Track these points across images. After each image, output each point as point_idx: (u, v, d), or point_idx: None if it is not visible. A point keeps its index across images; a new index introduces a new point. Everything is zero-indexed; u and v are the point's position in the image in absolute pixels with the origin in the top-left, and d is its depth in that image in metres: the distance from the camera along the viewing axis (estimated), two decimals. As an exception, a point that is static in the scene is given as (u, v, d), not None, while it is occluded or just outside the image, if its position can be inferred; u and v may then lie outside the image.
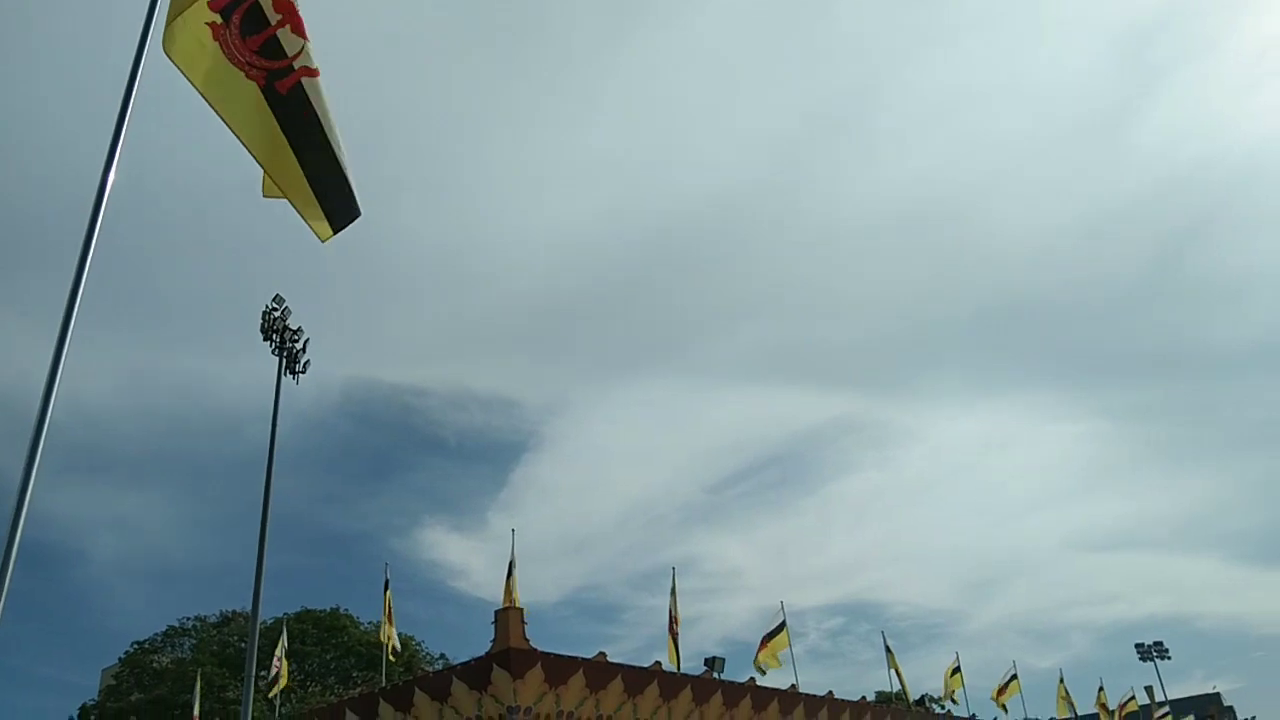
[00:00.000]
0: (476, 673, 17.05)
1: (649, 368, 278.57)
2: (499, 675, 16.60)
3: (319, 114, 6.82)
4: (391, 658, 24.21)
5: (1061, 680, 41.18)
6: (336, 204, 6.90)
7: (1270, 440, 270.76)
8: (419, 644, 52.02)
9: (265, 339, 34.92)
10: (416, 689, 18.38)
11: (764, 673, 24.24)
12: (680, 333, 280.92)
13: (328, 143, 6.78)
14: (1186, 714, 57.08)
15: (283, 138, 6.73)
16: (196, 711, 30.70)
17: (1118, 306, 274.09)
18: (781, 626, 26.00)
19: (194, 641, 55.05)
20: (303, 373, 35.75)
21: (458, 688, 17.32)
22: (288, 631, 33.86)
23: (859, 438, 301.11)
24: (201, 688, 33.85)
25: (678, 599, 22.16)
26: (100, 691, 56.08)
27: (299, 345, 35.50)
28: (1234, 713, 78.33)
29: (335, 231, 7.00)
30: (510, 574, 18.89)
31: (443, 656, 46.36)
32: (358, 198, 7.01)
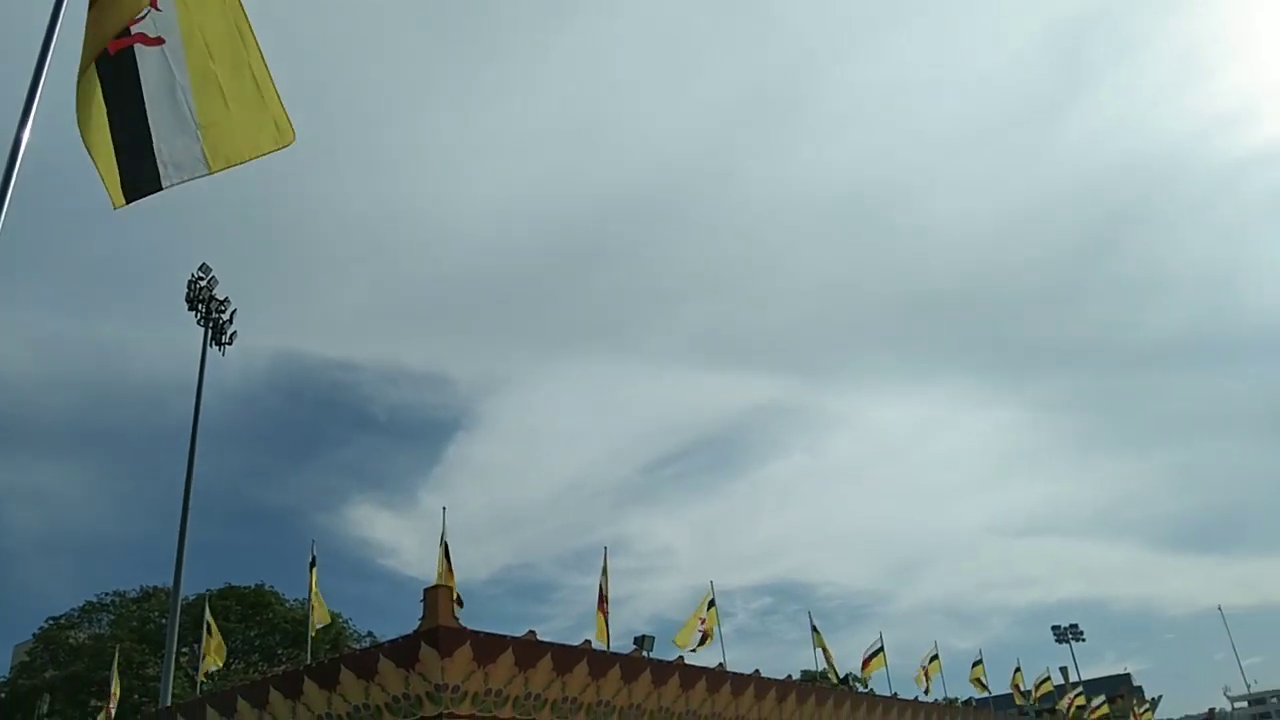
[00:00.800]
0: (404, 651, 16.88)
1: (586, 347, 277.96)
2: (427, 653, 16.45)
3: (143, 84, 6.84)
4: (314, 633, 23.92)
5: (980, 661, 42.31)
6: (138, 174, 6.92)
7: (1183, 431, 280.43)
8: (346, 622, 51.55)
9: (191, 308, 34.12)
10: (343, 666, 18.14)
11: (694, 649, 24.53)
12: (618, 313, 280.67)
13: (143, 113, 6.81)
14: (1098, 694, 59.05)
15: (101, 97, 6.77)
16: (114, 689, 29.99)
17: (1044, 297, 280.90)
18: (710, 605, 26.31)
19: (113, 617, 53.79)
20: (229, 344, 35.04)
21: (385, 665, 17.13)
22: (210, 608, 33.22)
23: (790, 421, 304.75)
24: (120, 664, 33.07)
25: (609, 578, 22.26)
26: (12, 669, 54.54)
27: (226, 316, 34.77)
28: (1142, 692, 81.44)
29: (129, 201, 6.96)
30: (441, 552, 18.77)
31: (370, 635, 46.08)
32: (163, 173, 7.00)
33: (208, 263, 33.70)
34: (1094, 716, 51.51)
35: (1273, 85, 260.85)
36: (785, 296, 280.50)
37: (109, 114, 6.90)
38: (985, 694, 37.12)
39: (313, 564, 23.06)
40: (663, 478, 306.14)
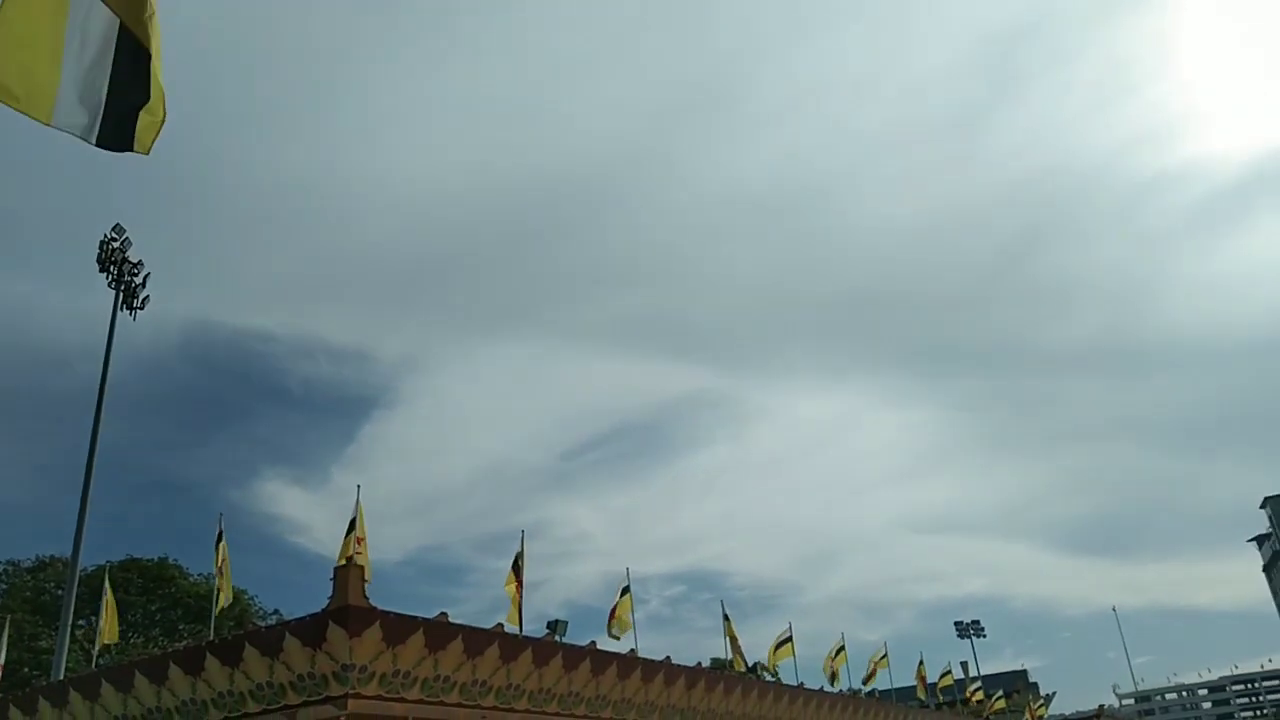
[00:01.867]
0: (311, 629, 16.56)
1: (510, 329, 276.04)
2: (335, 633, 16.17)
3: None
4: (218, 609, 23.32)
5: (885, 655, 43.26)
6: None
7: (1087, 436, 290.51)
8: (252, 599, 50.48)
9: (102, 270, 32.88)
10: (247, 643, 17.72)
11: (618, 637, 24.57)
12: (544, 295, 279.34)
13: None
14: (996, 689, 60.95)
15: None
16: (2, 660, 28.88)
17: (961, 301, 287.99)
18: (625, 591, 26.41)
19: (4, 587, 51.85)
20: (141, 309, 33.86)
21: (290, 644, 16.78)
22: (110, 580, 32.20)
23: (714, 413, 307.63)
24: (10, 635, 31.86)
25: (525, 562, 22.18)
26: (-106, 637, 52.19)
27: (138, 279, 33.59)
28: (1038, 689, 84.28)
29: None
30: (351, 531, 18.47)
31: (276, 613, 45.22)
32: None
33: (121, 223, 32.50)
34: (991, 711, 53.16)
35: (1192, 106, 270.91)
36: (713, 288, 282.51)
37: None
38: (835, 687, 37.74)
39: (220, 538, 22.49)
40: (584, 464, 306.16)
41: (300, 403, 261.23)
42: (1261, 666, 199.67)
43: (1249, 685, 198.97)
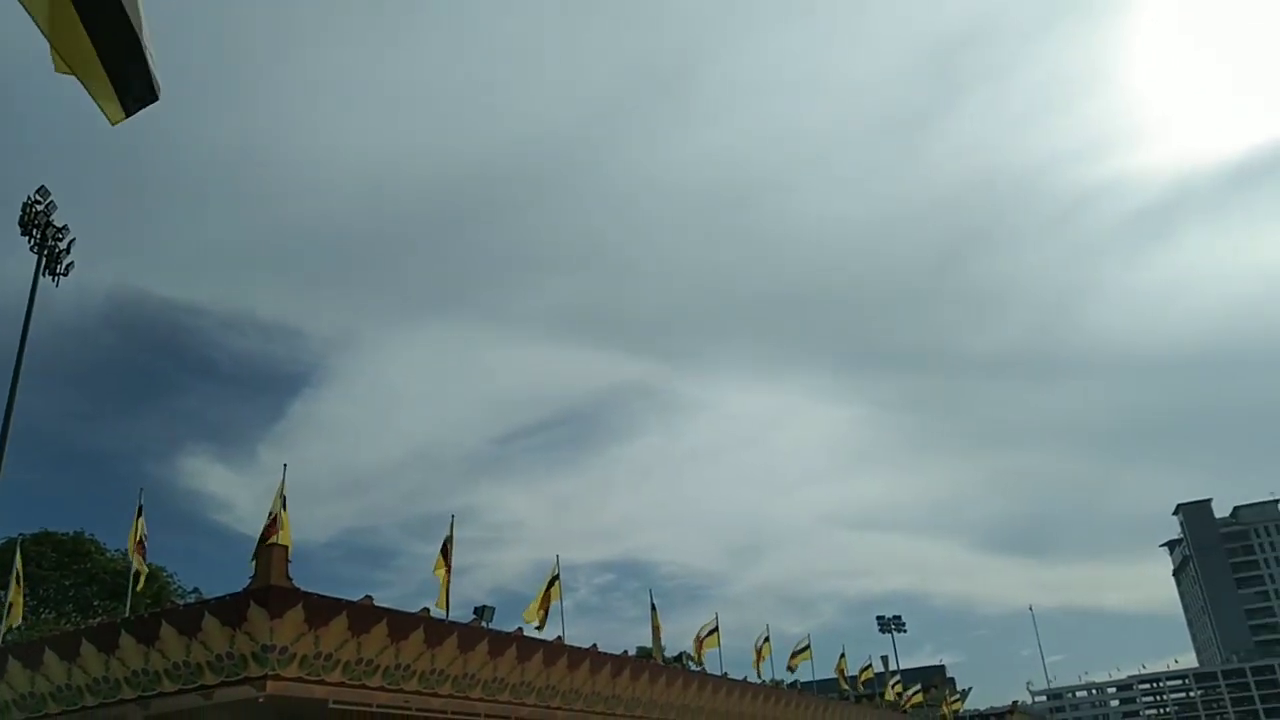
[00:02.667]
0: (231, 609, 16.26)
1: (446, 311, 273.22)
2: (256, 613, 15.89)
3: None
4: (136, 586, 22.68)
5: (807, 647, 43.79)
6: (131, 83, 6.20)
7: (1011, 439, 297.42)
8: (171, 576, 49.34)
9: (24, 233, 31.79)
10: (164, 621, 17.34)
11: (539, 627, 24.53)
12: (481, 278, 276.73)
13: (124, 14, 6.07)
14: (914, 683, 62.21)
15: (71, 6, 5.98)
16: None
17: (896, 302, 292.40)
18: (554, 580, 26.36)
19: (-91, 559, 49.87)
20: (64, 275, 32.82)
21: (209, 623, 16.46)
22: (22, 554, 31.18)
23: (649, 403, 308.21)
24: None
25: (454, 547, 22.01)
26: None
27: (62, 245, 32.54)
28: (954, 684, 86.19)
29: (128, 114, 6.29)
30: (278, 510, 18.15)
31: (196, 591, 44.16)
32: (157, 79, 6.33)
33: (47, 185, 31.42)
34: (909, 705, 54.26)
35: (1124, 122, 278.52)
36: (651, 279, 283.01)
37: (85, 22, 6.03)
38: (760, 678, 38.23)
39: (139, 513, 21.92)
40: (518, 450, 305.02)
41: (228, 378, 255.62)
42: (1167, 667, 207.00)
43: (1154, 685, 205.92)
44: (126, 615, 21.31)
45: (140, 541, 21.88)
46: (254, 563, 16.97)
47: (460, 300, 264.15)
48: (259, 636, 15.90)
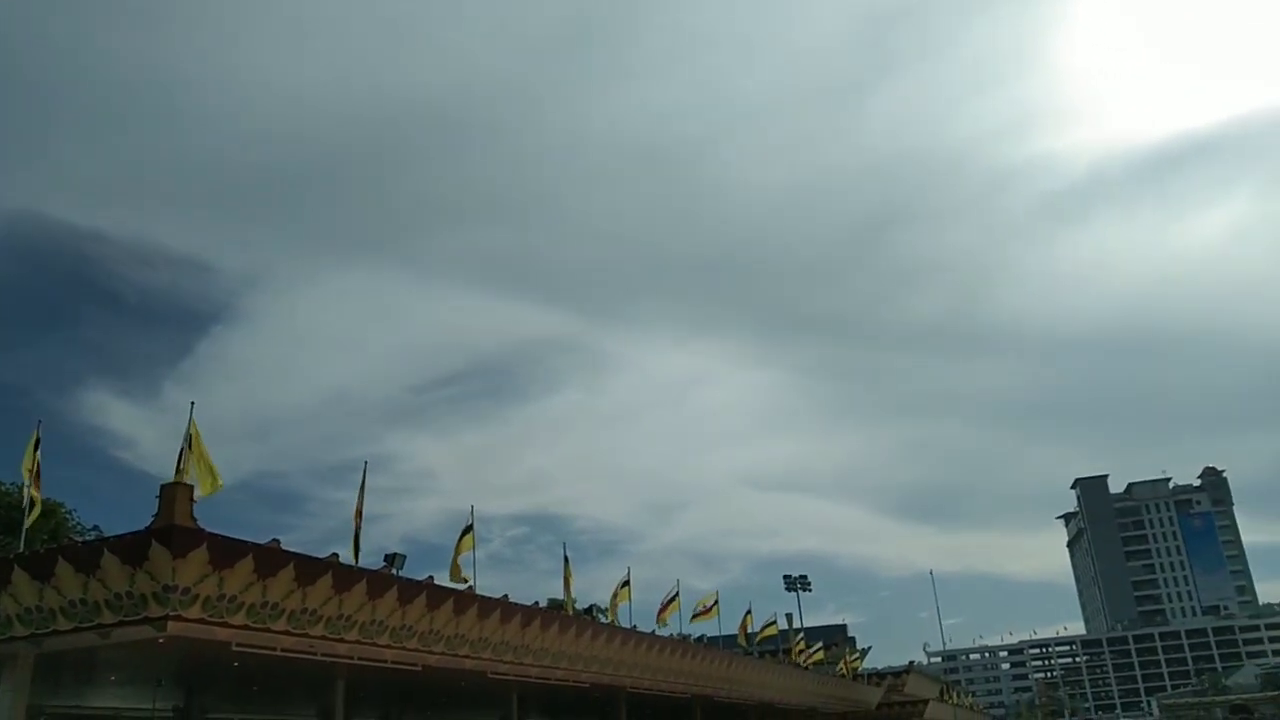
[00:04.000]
0: (132, 547, 15.84)
1: (363, 255, 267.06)
2: (158, 552, 15.51)
3: None
4: (30, 521, 21.82)
5: (716, 603, 44.53)
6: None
7: (922, 410, 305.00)
8: (69, 512, 47.78)
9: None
10: (60, 558, 16.83)
11: (469, 586, 24.43)
12: (402, 222, 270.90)
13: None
14: (816, 641, 63.82)
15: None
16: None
17: (820, 270, 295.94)
18: (468, 530, 26.25)
19: None
20: (-37, 194, 31.30)
21: (109, 561, 16.03)
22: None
23: (571, 359, 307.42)
24: None
25: (365, 494, 21.73)
26: None
27: (-38, 162, 30.97)
28: (855, 643, 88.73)
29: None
30: (184, 449, 17.64)
31: (96, 529, 42.86)
32: None
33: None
34: (810, 661, 55.68)
35: (1048, 104, 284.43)
36: (578, 234, 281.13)
37: None
38: (667, 631, 38.78)
39: (35, 444, 21.06)
40: (434, 399, 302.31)
41: (133, 311, 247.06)
42: (1057, 633, 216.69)
43: (1044, 650, 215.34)
44: (20, 550, 20.61)
45: (35, 472, 21.04)
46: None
47: (379, 244, 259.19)
48: (161, 576, 15.54)
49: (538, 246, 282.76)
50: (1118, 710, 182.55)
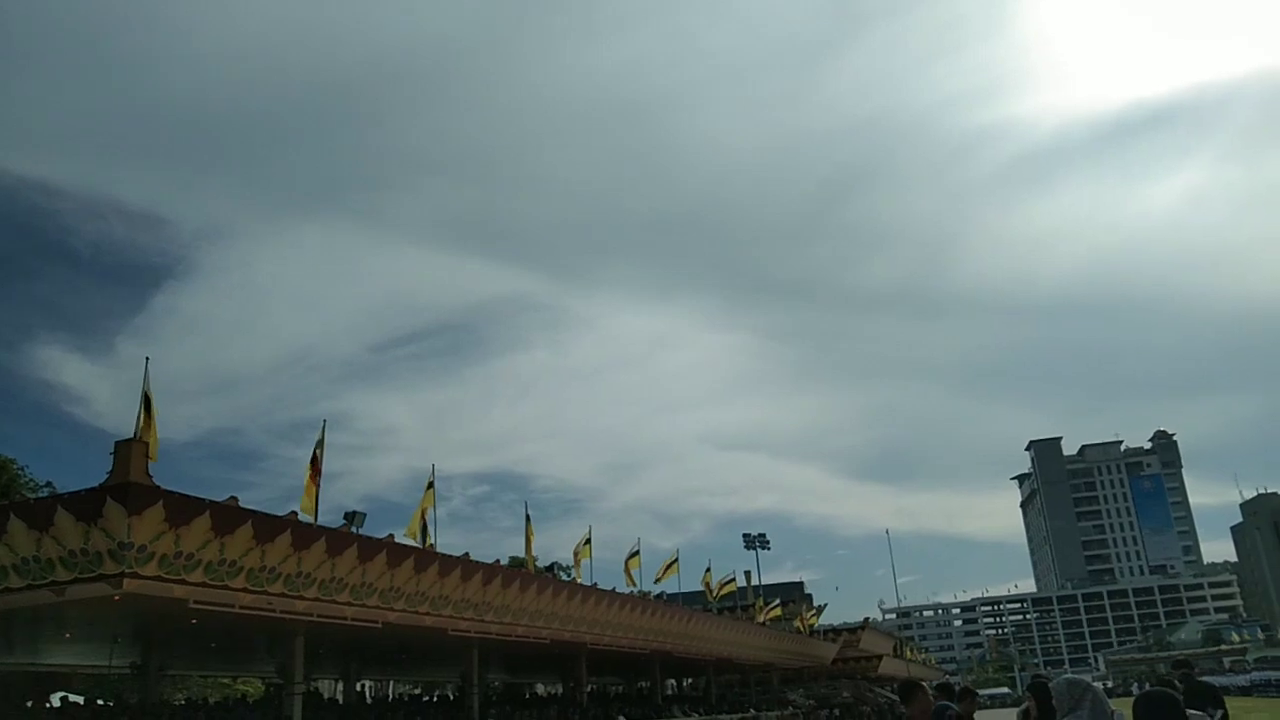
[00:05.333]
0: (86, 504, 15.65)
1: (324, 210, 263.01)
2: (113, 509, 15.34)
3: None
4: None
5: (676, 561, 45.01)
6: None
7: (882, 373, 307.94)
8: (21, 469, 47.11)
9: None
10: (12, 514, 16.60)
11: (428, 545, 24.41)
12: (362, 177, 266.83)
13: None
14: (774, 598, 64.76)
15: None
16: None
17: (784, 233, 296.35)
18: (429, 487, 26.22)
19: None
20: (-94, 142, 30.35)
21: (62, 518, 15.83)
22: None
23: (534, 318, 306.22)
24: None
25: (324, 451, 21.61)
26: None
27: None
28: (811, 600, 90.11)
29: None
30: (141, 406, 17.42)
31: (49, 485, 42.32)
32: None
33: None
34: (767, 618, 56.53)
35: (1013, 68, 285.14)
36: (543, 192, 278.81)
37: None
38: (629, 589, 39.20)
39: (-13, 401, 20.70)
40: (395, 357, 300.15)
41: (87, 265, 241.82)
42: (1008, 591, 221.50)
43: (995, 607, 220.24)
44: (-29, 507, 20.31)
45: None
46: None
47: (339, 199, 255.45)
48: (116, 534, 15.38)
49: (502, 204, 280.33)
50: (1066, 665, 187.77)
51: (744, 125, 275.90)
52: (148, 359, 17.61)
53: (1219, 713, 7.05)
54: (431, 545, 24.63)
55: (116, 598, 16.06)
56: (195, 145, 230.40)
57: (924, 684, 6.58)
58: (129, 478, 15.30)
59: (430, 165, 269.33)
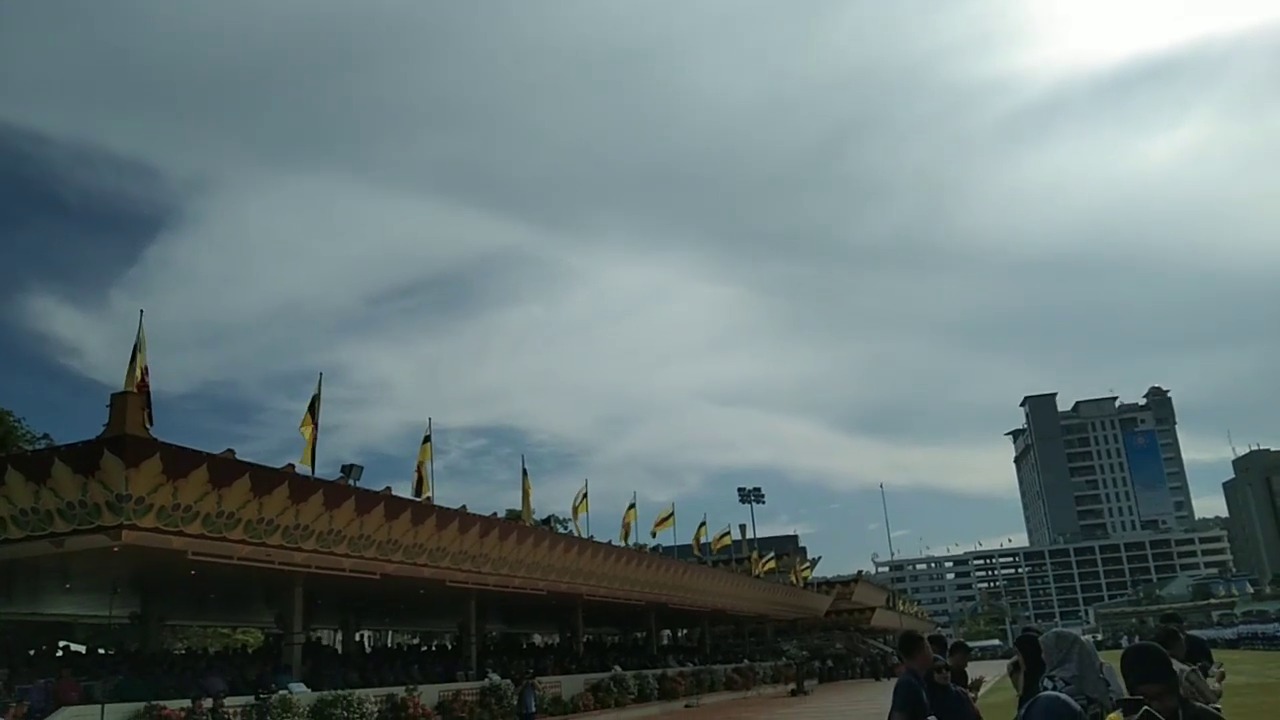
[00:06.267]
0: (84, 456, 15.70)
1: (317, 160, 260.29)
2: (110, 461, 15.39)
3: None
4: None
5: (672, 514, 45.36)
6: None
7: (878, 327, 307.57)
8: (18, 421, 47.17)
9: None
10: (9, 466, 16.65)
11: (427, 497, 24.53)
12: (358, 127, 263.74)
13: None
14: (768, 551, 65.37)
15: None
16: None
17: (779, 185, 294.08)
18: (426, 440, 26.31)
19: None
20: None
21: (60, 470, 15.89)
22: None
23: (528, 271, 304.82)
24: None
25: (321, 405, 21.63)
26: None
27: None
28: (805, 553, 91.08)
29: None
30: (135, 358, 17.40)
31: (46, 437, 42.40)
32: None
33: None
34: (761, 570, 57.12)
35: (1014, 20, 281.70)
36: (536, 142, 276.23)
37: None
38: (625, 541, 39.36)
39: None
40: (390, 310, 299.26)
41: (77, 215, 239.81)
42: (1001, 545, 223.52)
43: (987, 560, 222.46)
44: (-31, 458, 20.37)
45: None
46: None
47: (332, 150, 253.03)
48: (114, 486, 15.45)
49: (495, 154, 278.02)
50: (1056, 619, 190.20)
51: (741, 73, 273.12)
52: (141, 311, 17.54)
53: (1210, 665, 7.18)
54: (429, 498, 24.78)
55: (115, 549, 16.18)
56: (183, 93, 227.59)
57: (924, 636, 6.65)
58: (125, 430, 15.34)
59: (422, 115, 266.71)
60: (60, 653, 27.09)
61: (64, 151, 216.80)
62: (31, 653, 24.27)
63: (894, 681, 6.55)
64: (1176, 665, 4.54)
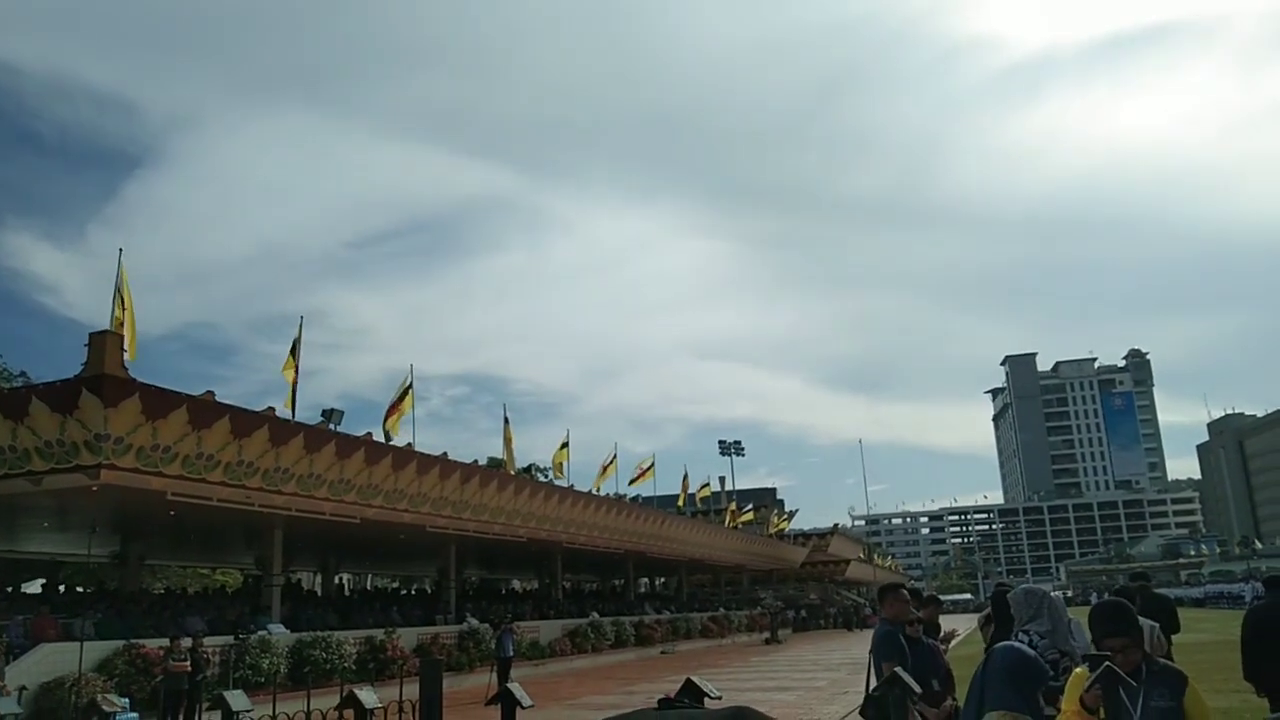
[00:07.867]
0: (62, 395, 15.58)
1: (299, 99, 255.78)
2: (89, 400, 15.29)
3: None
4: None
5: (652, 465, 45.63)
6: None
7: (863, 283, 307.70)
8: (-4, 358, 46.74)
9: None
10: (-14, 404, 16.53)
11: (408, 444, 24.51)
12: (342, 67, 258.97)
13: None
14: (747, 503, 65.98)
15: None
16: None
17: (771, 137, 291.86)
18: (408, 389, 26.24)
19: None
20: None
21: (37, 408, 15.78)
22: None
23: (513, 218, 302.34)
24: None
25: (302, 349, 21.51)
26: None
27: None
28: (783, 505, 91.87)
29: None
30: (115, 297, 17.21)
31: (24, 374, 42.04)
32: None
33: None
34: (739, 521, 57.69)
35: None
36: (524, 86, 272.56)
37: None
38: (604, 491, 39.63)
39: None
40: (371, 255, 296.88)
41: (54, 150, 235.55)
42: (976, 501, 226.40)
43: (962, 516, 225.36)
44: (-55, 394, 20.19)
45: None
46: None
47: (316, 89, 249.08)
48: (92, 425, 15.37)
49: (481, 97, 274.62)
50: (1028, 575, 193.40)
51: (735, 17, 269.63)
52: (120, 249, 17.32)
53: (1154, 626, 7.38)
54: (410, 444, 24.79)
55: (94, 488, 16.15)
56: (165, 26, 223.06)
57: (902, 587, 6.75)
58: (104, 370, 15.22)
59: (408, 57, 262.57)
60: (39, 590, 27.16)
61: (39, 84, 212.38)
62: (9, 590, 24.32)
63: (866, 632, 6.65)
64: (1143, 621, 4.62)
